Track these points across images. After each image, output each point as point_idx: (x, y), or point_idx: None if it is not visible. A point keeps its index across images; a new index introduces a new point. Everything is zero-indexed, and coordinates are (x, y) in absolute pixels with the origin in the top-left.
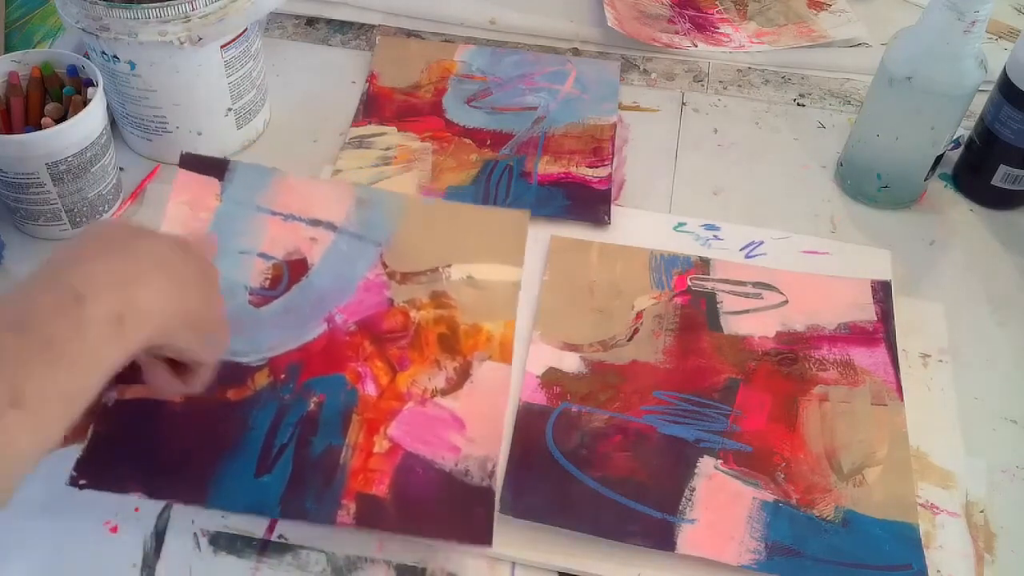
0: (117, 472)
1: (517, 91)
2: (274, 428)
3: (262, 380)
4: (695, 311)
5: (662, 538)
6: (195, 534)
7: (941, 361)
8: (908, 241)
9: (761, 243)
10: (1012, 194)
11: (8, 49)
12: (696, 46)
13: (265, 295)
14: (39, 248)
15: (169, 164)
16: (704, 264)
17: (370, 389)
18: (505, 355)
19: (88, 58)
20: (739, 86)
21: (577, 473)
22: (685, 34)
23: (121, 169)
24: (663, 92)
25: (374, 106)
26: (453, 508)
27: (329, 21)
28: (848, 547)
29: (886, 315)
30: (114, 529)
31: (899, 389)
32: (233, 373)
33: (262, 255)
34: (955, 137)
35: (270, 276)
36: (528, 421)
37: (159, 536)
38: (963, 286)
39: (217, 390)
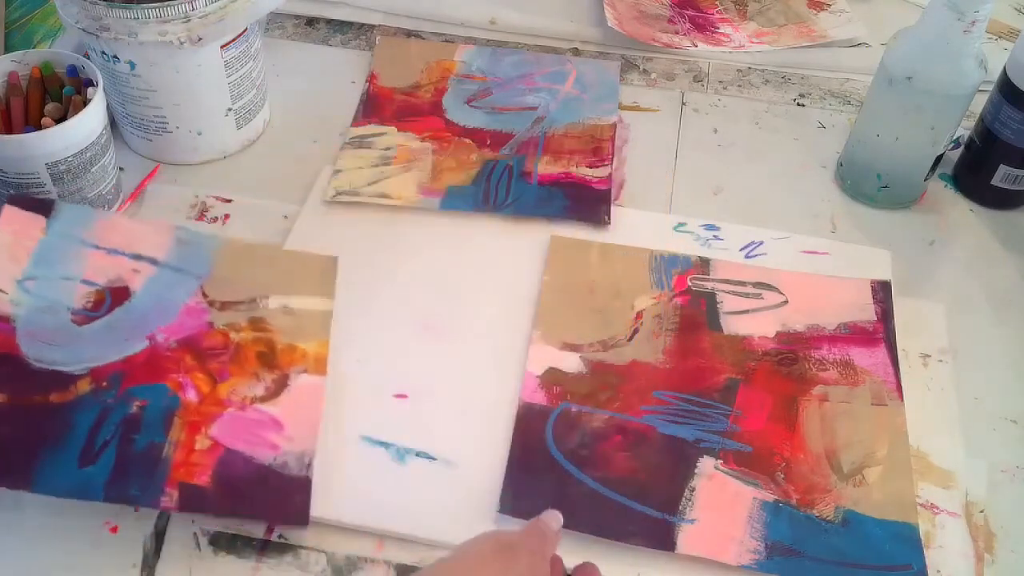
0: None
1: (517, 91)
2: (97, 426)
3: (84, 386)
4: (695, 311)
5: (662, 538)
6: (195, 534)
7: (941, 361)
8: (908, 241)
9: (761, 243)
10: (1012, 194)
11: (8, 49)
12: (696, 46)
13: (87, 315)
14: None
15: (169, 164)
16: (704, 264)
17: (191, 396)
18: (320, 368)
19: (88, 58)
20: (739, 86)
21: (577, 473)
22: (685, 34)
23: (121, 169)
24: (663, 92)
25: (374, 106)
26: (273, 494)
27: (329, 21)
28: (848, 547)
29: (886, 315)
30: (114, 529)
31: (899, 389)
32: (55, 380)
33: (85, 281)
34: (955, 137)
35: (92, 300)
36: (528, 421)
37: (159, 536)
38: (963, 286)
39: (39, 394)
